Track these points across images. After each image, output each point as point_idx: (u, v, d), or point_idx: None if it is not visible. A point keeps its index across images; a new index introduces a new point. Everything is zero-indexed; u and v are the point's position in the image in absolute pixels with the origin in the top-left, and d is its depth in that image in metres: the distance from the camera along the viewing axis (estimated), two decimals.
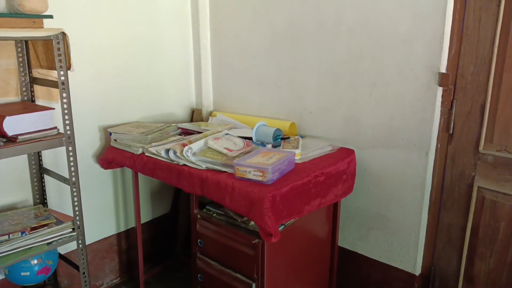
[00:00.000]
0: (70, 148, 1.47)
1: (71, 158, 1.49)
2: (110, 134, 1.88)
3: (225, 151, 1.59)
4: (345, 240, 1.94)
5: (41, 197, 1.74)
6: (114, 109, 2.01)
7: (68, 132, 1.47)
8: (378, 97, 1.72)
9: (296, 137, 1.82)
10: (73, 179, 1.52)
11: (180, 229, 2.35)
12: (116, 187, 2.10)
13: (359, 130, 1.80)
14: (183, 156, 1.58)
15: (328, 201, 1.61)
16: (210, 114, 2.36)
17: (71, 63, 1.47)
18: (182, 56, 2.29)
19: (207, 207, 1.64)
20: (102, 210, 2.05)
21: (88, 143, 1.93)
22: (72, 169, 1.50)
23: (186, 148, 1.59)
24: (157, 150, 1.68)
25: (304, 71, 1.93)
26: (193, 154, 1.59)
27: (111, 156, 1.86)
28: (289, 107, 2.03)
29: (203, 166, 1.54)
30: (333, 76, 1.83)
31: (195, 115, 2.34)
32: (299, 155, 1.65)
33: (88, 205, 1.97)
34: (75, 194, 1.53)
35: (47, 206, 1.75)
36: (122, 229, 2.15)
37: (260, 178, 1.39)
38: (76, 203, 1.54)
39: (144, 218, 2.24)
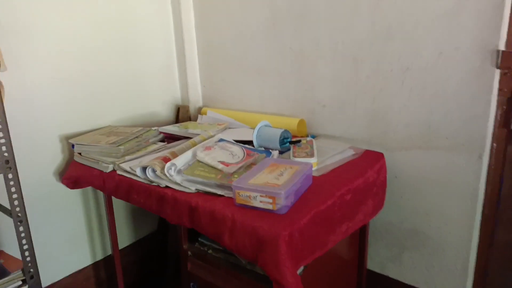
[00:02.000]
0: (9, 176, 1.08)
1: (13, 189, 1.09)
2: (73, 146, 1.49)
3: (220, 166, 1.21)
4: (372, 262, 1.59)
5: None
6: (81, 112, 1.61)
7: (5, 154, 1.07)
8: (412, 85, 1.34)
9: (308, 138, 1.44)
10: (17, 210, 1.13)
11: (171, 248, 1.99)
12: (88, 208, 1.71)
13: (387, 128, 1.42)
14: (165, 175, 1.20)
15: (357, 223, 1.25)
16: (199, 111, 1.97)
17: (1, 60, 1.06)
18: (161, 42, 1.88)
19: (200, 239, 1.27)
20: (74, 238, 1.67)
21: (49, 157, 1.54)
22: (16, 202, 1.11)
23: (168, 164, 1.20)
24: (132, 167, 1.30)
25: (314, 55, 1.54)
26: (177, 172, 1.21)
27: (75, 174, 1.48)
28: (297, 101, 1.64)
29: (192, 188, 1.16)
30: (352, 60, 1.45)
31: (181, 113, 1.95)
32: (315, 165, 1.28)
33: (55, 234, 1.60)
34: (22, 231, 1.14)
35: None
36: (100, 257, 1.78)
37: (270, 206, 1.02)
38: (24, 244, 1.15)
39: (126, 241, 1.88)
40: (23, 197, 1.23)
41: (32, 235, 1.45)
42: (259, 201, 1.03)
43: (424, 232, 1.43)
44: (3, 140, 1.05)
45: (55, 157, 1.56)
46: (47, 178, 1.55)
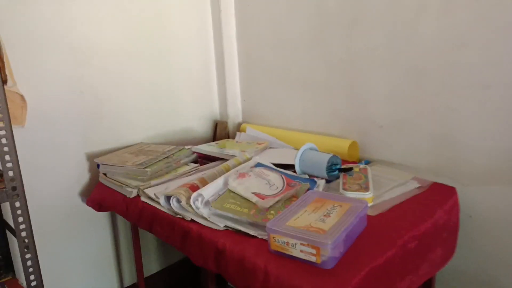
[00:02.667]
0: (17, 204, 0.96)
1: (20, 218, 0.97)
2: (98, 166, 1.38)
3: (254, 199, 1.03)
4: None
5: (6, 260, 1.26)
6: (108, 128, 1.50)
7: (13, 180, 0.95)
8: (493, 106, 1.08)
9: (361, 166, 1.22)
10: (25, 240, 1.00)
11: (203, 277, 1.83)
12: (116, 231, 1.59)
13: (460, 157, 1.17)
14: (191, 206, 1.03)
15: (422, 277, 1.00)
16: (239, 127, 1.81)
17: (8, 74, 0.95)
18: (199, 52, 1.74)
19: (230, 284, 1.09)
20: (100, 262, 1.56)
21: (73, 177, 1.44)
22: (23, 233, 0.99)
23: (194, 194, 1.03)
24: (156, 194, 1.15)
25: (369, 66, 1.31)
26: (205, 204, 1.04)
27: (99, 197, 1.36)
28: (347, 119, 1.42)
29: (221, 225, 0.98)
30: (416, 73, 1.21)
31: (219, 129, 1.79)
32: (370, 201, 1.05)
33: (80, 258, 1.49)
34: (29, 263, 1.01)
35: (14, 274, 1.27)
36: (127, 283, 1.65)
37: (312, 259, 0.82)
38: (32, 277, 1.02)
39: (156, 267, 1.74)
40: (49, 218, 1.11)
41: (56, 259, 1.35)
42: (299, 250, 0.83)
43: (501, 281, 1.15)
44: (10, 164, 0.93)
45: (81, 177, 1.45)
46: (73, 199, 1.44)
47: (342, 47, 1.37)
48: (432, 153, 1.22)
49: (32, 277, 1.01)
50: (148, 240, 1.67)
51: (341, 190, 1.08)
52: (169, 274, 1.77)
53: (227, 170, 1.21)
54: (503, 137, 1.08)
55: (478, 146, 1.12)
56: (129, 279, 1.65)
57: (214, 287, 1.10)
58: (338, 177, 1.20)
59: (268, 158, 1.35)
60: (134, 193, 1.22)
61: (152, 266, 1.72)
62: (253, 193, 1.04)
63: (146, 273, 1.66)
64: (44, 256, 1.35)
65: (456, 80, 1.13)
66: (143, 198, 1.18)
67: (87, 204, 1.40)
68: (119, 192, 1.27)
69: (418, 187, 1.15)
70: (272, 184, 1.10)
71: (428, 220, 1.00)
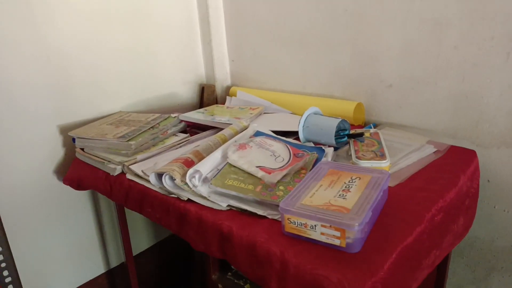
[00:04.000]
0: None
1: None
2: (73, 140, 1.21)
3: (260, 173, 0.90)
4: (448, 285, 1.26)
5: None
6: (82, 96, 1.32)
7: None
8: None
9: (371, 130, 1.10)
10: None
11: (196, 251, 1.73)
12: (98, 209, 1.45)
13: (481, 117, 1.06)
14: (187, 185, 0.90)
15: (445, 250, 0.91)
16: (228, 91, 1.65)
17: None
18: (180, 8, 1.54)
19: (233, 270, 0.98)
20: (84, 244, 1.42)
21: (46, 154, 1.26)
22: None
23: (190, 171, 0.90)
24: (144, 171, 1.00)
25: (378, 18, 1.17)
26: (203, 181, 0.91)
27: (77, 175, 1.20)
28: (352, 78, 1.29)
29: (223, 204, 0.86)
30: (433, 24, 1.07)
31: (206, 94, 1.63)
32: (387, 169, 0.94)
33: (61, 242, 1.35)
34: (0, 257, 0.87)
35: None
36: (114, 264, 1.53)
37: (336, 242, 0.71)
38: (6, 273, 0.88)
39: (145, 244, 1.62)
40: (20, 201, 0.98)
41: (33, 246, 1.22)
42: (320, 233, 0.72)
43: None
44: None
45: (55, 153, 1.28)
46: (47, 178, 1.28)
47: None
48: (449, 114, 1.11)
49: (5, 272, 0.88)
50: (134, 216, 1.54)
51: (354, 159, 0.96)
52: (159, 251, 1.67)
53: (224, 141, 1.07)
54: None
55: (501, 104, 1.02)
56: (116, 259, 1.53)
57: (217, 274, 0.99)
58: (346, 144, 1.09)
59: (266, 125, 1.22)
60: (118, 170, 1.07)
61: (141, 243, 1.60)
62: (257, 166, 0.91)
63: (134, 252, 1.54)
64: (18, 246, 1.21)
65: (479, 31, 1.00)
66: (129, 176, 1.04)
67: (64, 183, 1.24)
68: (101, 169, 1.11)
69: (435, 152, 1.05)
70: (277, 155, 0.97)
71: (453, 188, 0.90)
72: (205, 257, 1.23)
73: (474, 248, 1.18)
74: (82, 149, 1.20)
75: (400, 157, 1.02)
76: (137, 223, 1.57)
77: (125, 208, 1.38)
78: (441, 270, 1.15)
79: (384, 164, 0.93)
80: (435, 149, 1.05)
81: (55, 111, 1.25)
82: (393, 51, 1.16)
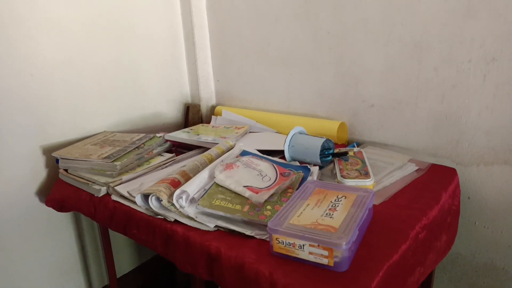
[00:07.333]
0: None
1: None
2: (57, 160, 1.19)
3: (247, 193, 0.90)
4: None
5: None
6: (65, 115, 1.30)
7: None
8: (498, 81, 1.01)
9: (355, 149, 1.12)
10: None
11: (180, 272, 1.70)
12: (81, 230, 1.42)
13: (461, 136, 1.10)
14: (174, 206, 0.89)
15: (429, 267, 0.93)
16: (213, 110, 1.66)
17: None
18: (165, 27, 1.56)
19: None
20: (65, 267, 1.38)
21: (28, 175, 1.24)
22: None
23: (177, 192, 0.89)
24: (130, 192, 1.00)
25: (360, 40, 1.21)
26: (190, 201, 0.90)
27: (60, 196, 1.17)
28: (335, 98, 1.32)
29: (211, 225, 0.86)
30: (413, 46, 1.11)
31: (191, 113, 1.64)
32: (372, 188, 0.96)
33: (42, 264, 1.31)
34: None
35: None
36: (97, 287, 1.49)
37: (324, 261, 0.71)
38: None
39: (128, 265, 1.59)
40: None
41: (12, 267, 1.19)
42: (308, 252, 0.72)
43: (505, 269, 1.12)
44: None
45: (37, 174, 1.26)
46: (29, 199, 1.25)
47: (329, 18, 1.25)
48: (430, 133, 1.14)
49: None
50: (117, 236, 1.51)
51: (339, 178, 0.97)
52: (142, 273, 1.63)
53: (210, 160, 1.07)
54: (506, 114, 1.02)
55: (479, 124, 1.06)
56: (99, 282, 1.49)
57: None
58: (331, 162, 1.11)
59: (251, 144, 1.23)
60: (103, 191, 1.05)
61: (124, 265, 1.57)
62: (244, 186, 0.92)
63: (118, 274, 1.51)
64: None
65: (458, 53, 1.05)
66: (114, 197, 1.02)
67: (46, 205, 1.22)
68: (85, 190, 1.10)
69: (416, 170, 1.08)
70: (264, 174, 0.98)
71: (435, 206, 0.92)
72: (190, 279, 1.21)
73: (456, 264, 1.20)
74: (66, 170, 1.18)
75: (384, 175, 1.04)
76: (120, 244, 1.54)
77: (108, 230, 1.36)
78: (425, 287, 1.17)
79: (368, 183, 0.95)
80: (416, 167, 1.08)
81: (37, 131, 1.23)
82: (375, 72, 1.20)
